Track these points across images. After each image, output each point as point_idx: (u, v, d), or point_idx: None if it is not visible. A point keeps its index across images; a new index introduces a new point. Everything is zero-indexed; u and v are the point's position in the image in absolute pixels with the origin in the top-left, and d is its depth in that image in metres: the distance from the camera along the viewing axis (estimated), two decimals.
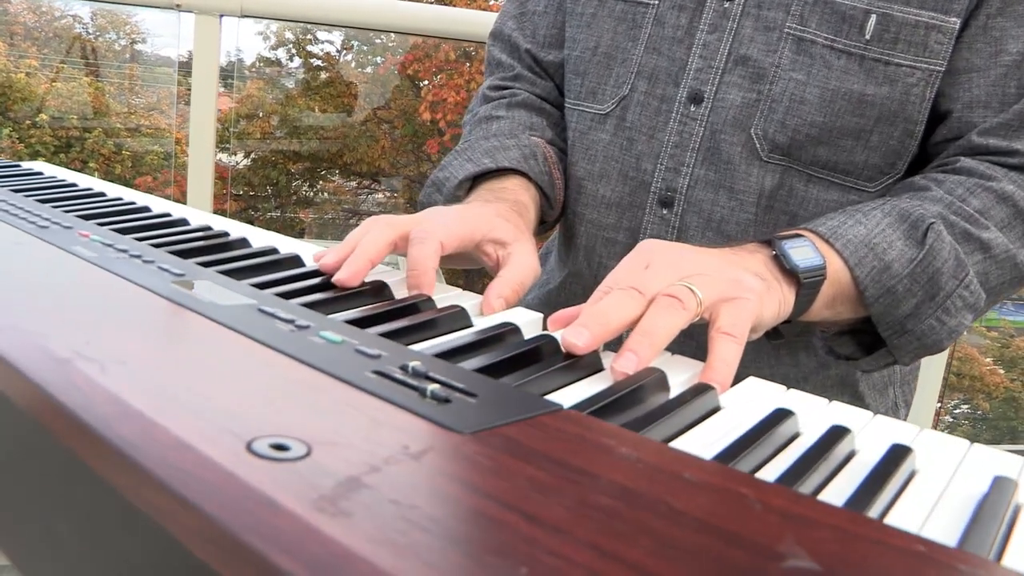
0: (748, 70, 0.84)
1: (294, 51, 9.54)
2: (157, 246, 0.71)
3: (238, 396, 0.37)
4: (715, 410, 0.52)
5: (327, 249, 0.69)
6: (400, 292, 0.67)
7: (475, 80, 9.05)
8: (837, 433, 0.48)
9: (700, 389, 0.53)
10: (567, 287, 1.00)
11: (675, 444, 0.45)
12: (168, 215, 0.86)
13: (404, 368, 0.45)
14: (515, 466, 0.35)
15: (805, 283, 0.69)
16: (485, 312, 0.66)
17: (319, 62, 9.81)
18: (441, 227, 0.70)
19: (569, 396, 0.50)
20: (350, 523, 0.28)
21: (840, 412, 0.52)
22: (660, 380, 0.53)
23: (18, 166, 1.11)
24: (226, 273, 0.65)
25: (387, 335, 0.55)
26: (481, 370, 0.49)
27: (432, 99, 9.11)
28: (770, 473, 0.44)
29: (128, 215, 0.84)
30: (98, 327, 0.45)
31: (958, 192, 0.78)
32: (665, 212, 0.88)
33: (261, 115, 9.04)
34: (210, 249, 0.73)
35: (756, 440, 0.46)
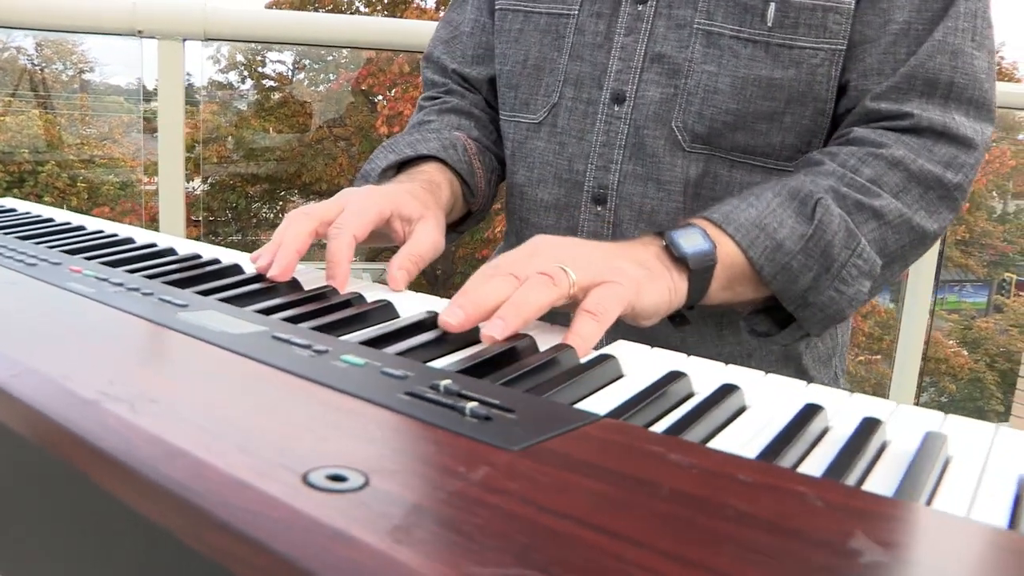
0: (664, 67, 0.88)
1: (246, 73, 9.48)
2: (151, 277, 0.69)
3: (279, 427, 0.36)
4: (742, 409, 0.52)
5: (261, 250, 0.74)
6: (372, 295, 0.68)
7: None
8: (809, 412, 0.50)
9: (672, 377, 0.53)
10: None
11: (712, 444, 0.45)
12: (154, 245, 0.84)
13: (435, 388, 0.44)
14: (574, 480, 0.35)
15: (695, 269, 0.72)
16: (393, 287, 0.72)
17: (272, 83, 9.75)
18: (353, 219, 0.75)
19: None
20: (428, 551, 0.27)
21: (816, 392, 0.54)
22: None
23: None
24: (228, 301, 0.63)
25: (404, 353, 0.54)
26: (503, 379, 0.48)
27: (388, 113, 9.08)
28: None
29: (114, 247, 0.82)
30: (117, 365, 0.43)
31: (850, 163, 0.80)
32: (599, 209, 0.92)
33: (217, 139, 8.95)
34: (205, 277, 0.72)
35: (792, 438, 0.46)
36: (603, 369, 0.55)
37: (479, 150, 1.01)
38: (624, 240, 0.76)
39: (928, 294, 2.28)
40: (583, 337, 0.60)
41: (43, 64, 8.90)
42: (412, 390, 0.43)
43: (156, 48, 1.43)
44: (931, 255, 2.26)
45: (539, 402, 0.44)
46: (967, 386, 10.66)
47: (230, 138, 8.88)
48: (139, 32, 1.40)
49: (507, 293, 0.61)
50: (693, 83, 0.87)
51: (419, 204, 0.83)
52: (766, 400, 0.54)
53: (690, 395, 0.54)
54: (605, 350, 0.59)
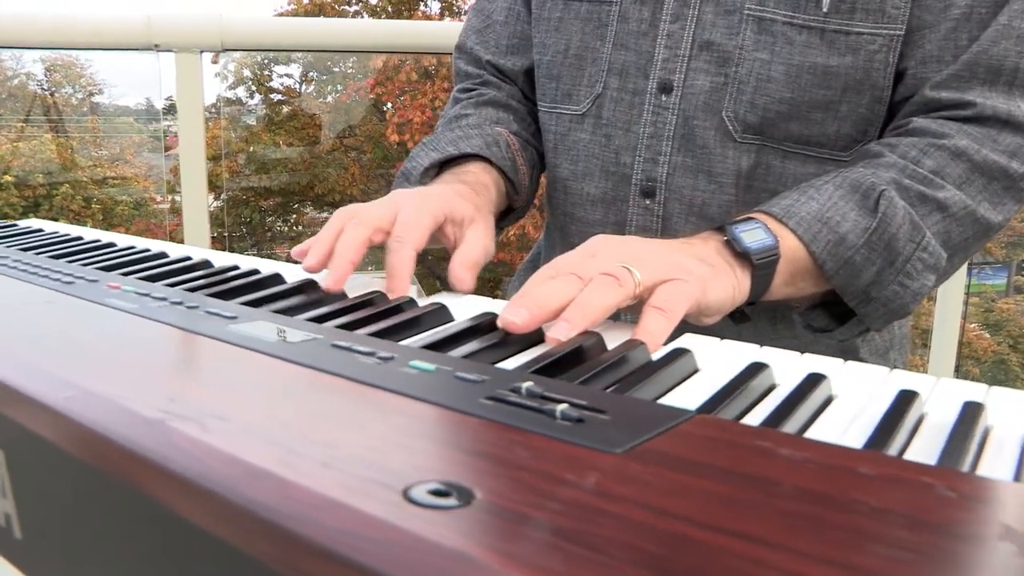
0: (713, 55, 0.85)
1: (254, 88, 9.49)
2: (193, 290, 0.67)
3: (364, 440, 0.33)
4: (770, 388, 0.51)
5: (306, 245, 0.72)
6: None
7: (439, 98, 9.03)
8: (905, 399, 0.47)
9: (755, 369, 0.51)
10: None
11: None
12: (188, 258, 0.81)
13: (516, 391, 0.41)
14: (689, 481, 0.32)
15: (758, 264, 0.69)
16: (460, 287, 0.71)
17: (280, 96, 9.76)
18: (413, 230, 0.72)
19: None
20: (560, 570, 0.24)
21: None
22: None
23: (15, 225, 1.06)
24: (277, 311, 0.61)
25: (469, 357, 0.51)
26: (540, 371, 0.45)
27: (398, 120, 9.08)
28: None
29: (148, 262, 0.80)
30: (176, 382, 0.40)
31: (911, 155, 0.78)
32: (648, 202, 0.89)
33: (228, 155, 8.98)
34: (248, 288, 0.69)
35: (894, 426, 0.43)
36: (680, 364, 0.52)
37: (521, 145, 0.98)
38: (675, 234, 0.74)
39: (962, 277, 2.23)
40: (652, 334, 0.57)
41: (53, 88, 8.95)
42: (493, 394, 0.40)
43: (173, 62, 1.40)
44: None
45: (629, 401, 0.42)
46: (991, 368, 10.57)
47: (241, 153, 8.90)
48: (155, 46, 1.38)
49: (571, 294, 0.58)
50: (744, 71, 0.83)
51: (470, 207, 0.80)
52: (852, 388, 0.51)
53: (772, 387, 0.51)
54: (678, 344, 0.56)
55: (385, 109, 9.63)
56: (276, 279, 0.73)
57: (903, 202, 0.74)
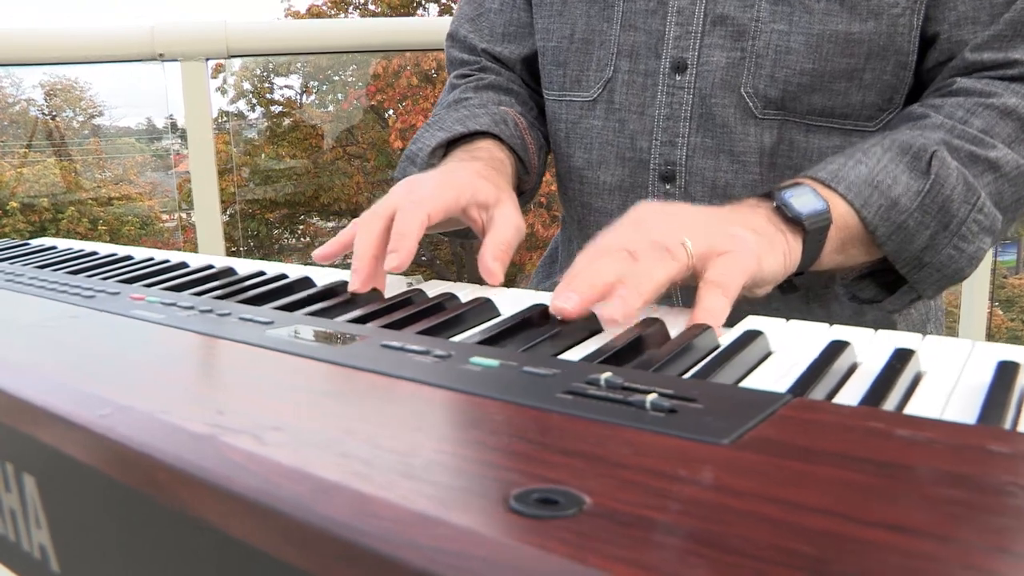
0: (728, 29, 0.81)
1: (255, 100, 9.47)
2: (220, 298, 0.63)
3: (442, 445, 0.29)
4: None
5: (328, 247, 0.69)
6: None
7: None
8: (1008, 371, 0.43)
9: (837, 348, 0.47)
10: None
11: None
12: (211, 266, 0.78)
13: (594, 383, 0.37)
14: (812, 470, 0.28)
15: (810, 230, 0.66)
16: (490, 281, 0.66)
17: (280, 108, 9.74)
18: (429, 199, 0.69)
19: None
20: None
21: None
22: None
23: (28, 244, 1.03)
24: (314, 315, 0.57)
25: (527, 350, 0.47)
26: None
27: (400, 126, 9.04)
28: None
29: (169, 272, 0.76)
30: (220, 392, 0.37)
31: (958, 115, 0.75)
32: (668, 187, 0.86)
33: (231, 169, 8.96)
34: (277, 293, 0.66)
35: (1003, 401, 0.39)
36: (754, 347, 0.48)
37: (528, 124, 0.94)
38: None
39: (988, 255, 2.18)
40: (712, 312, 0.54)
41: (54, 112, 8.94)
42: (569, 388, 0.36)
43: (179, 71, 1.37)
44: None
45: (716, 387, 0.38)
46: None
47: (245, 167, 8.88)
48: (160, 56, 1.35)
49: (622, 270, 0.55)
50: (762, 44, 0.80)
51: (493, 187, 0.76)
52: (938, 363, 0.47)
53: (855, 365, 0.48)
54: (748, 326, 0.52)
55: (387, 116, 9.60)
56: (306, 282, 0.69)
57: (956, 162, 0.71)
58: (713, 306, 0.55)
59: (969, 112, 0.74)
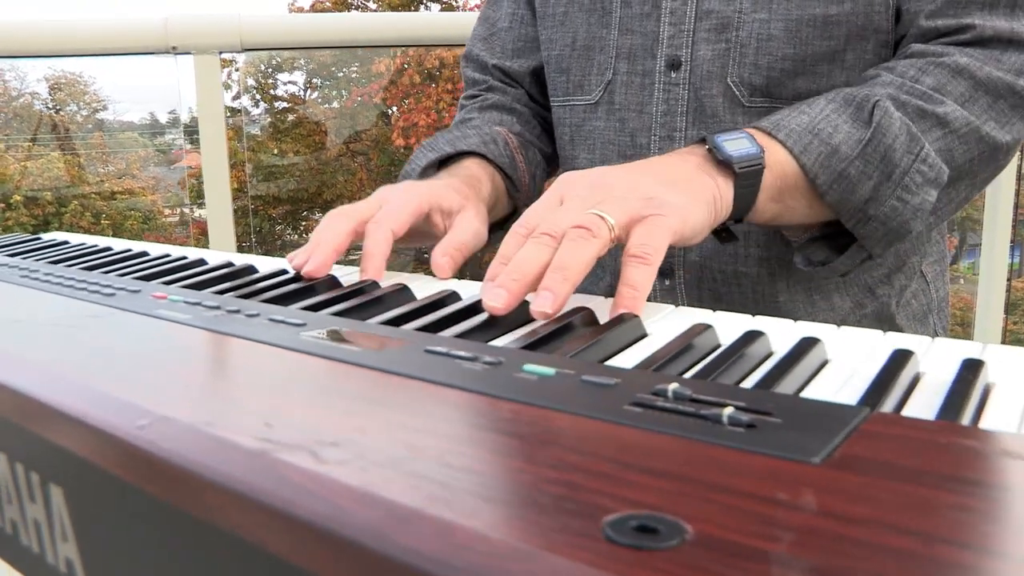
0: (713, 22, 0.83)
1: (259, 97, 9.44)
2: (245, 297, 0.61)
3: (519, 464, 0.27)
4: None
5: (298, 251, 0.71)
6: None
7: (443, 100, 8.97)
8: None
9: (903, 357, 0.45)
10: (592, 273, 0.99)
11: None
12: (230, 264, 0.76)
13: (661, 394, 0.35)
14: (925, 494, 0.26)
15: (740, 173, 0.66)
16: (438, 275, 0.70)
17: (285, 104, 9.72)
18: (391, 216, 0.72)
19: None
20: None
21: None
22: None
23: (39, 238, 1.00)
24: (340, 314, 0.55)
25: (577, 356, 0.45)
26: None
27: (403, 124, 9.02)
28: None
29: (188, 270, 0.74)
30: (265, 402, 0.34)
31: (910, 73, 0.75)
32: None
33: (235, 165, 8.94)
34: (302, 292, 0.63)
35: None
36: (812, 355, 0.46)
37: (521, 144, 0.98)
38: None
39: (1004, 255, 2.16)
40: (636, 286, 0.54)
41: (57, 107, 8.92)
42: (637, 400, 0.34)
43: (185, 65, 1.35)
44: (1006, 212, 2.14)
45: (791, 400, 0.35)
46: None
47: (248, 163, 8.85)
48: (173, 48, 1.32)
49: (546, 257, 0.55)
50: (745, 34, 0.81)
51: (459, 196, 0.80)
52: (1006, 374, 0.45)
53: (918, 376, 0.45)
54: (808, 332, 0.50)
55: (390, 113, 9.58)
56: (332, 282, 0.67)
57: (899, 114, 0.71)
58: (636, 279, 0.54)
59: (920, 71, 0.74)
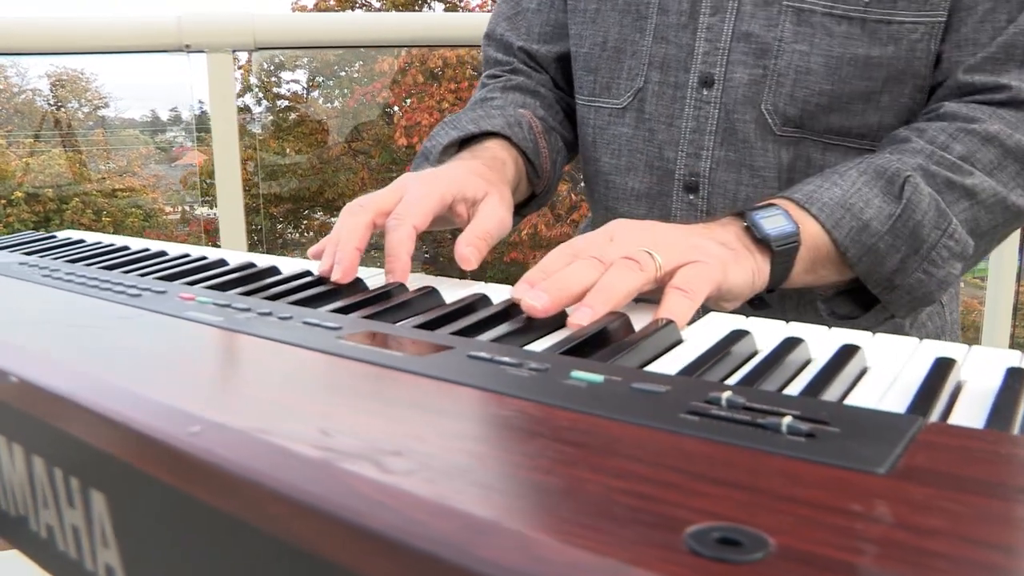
0: (751, 46, 0.82)
1: (261, 95, 9.44)
2: (272, 299, 0.60)
3: (585, 475, 0.27)
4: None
5: (322, 245, 0.70)
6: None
7: (446, 99, 8.97)
8: None
9: (945, 365, 0.44)
10: None
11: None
12: (252, 265, 0.75)
13: (714, 403, 0.34)
14: (999, 508, 0.26)
15: (778, 251, 0.67)
16: (463, 266, 0.68)
17: (287, 102, 9.71)
18: (412, 209, 0.70)
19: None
20: None
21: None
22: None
23: (54, 236, 1.00)
24: (372, 317, 0.55)
25: (616, 361, 0.45)
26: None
27: (406, 124, 9.02)
28: None
29: (210, 270, 0.73)
30: (318, 408, 0.34)
31: (940, 140, 0.75)
32: (692, 197, 0.87)
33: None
34: (331, 294, 0.63)
35: None
36: (854, 363, 0.46)
37: (545, 129, 0.96)
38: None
39: (1014, 260, 2.16)
40: (675, 315, 0.54)
41: (59, 103, 8.91)
42: (692, 408, 0.34)
43: (205, 62, 1.34)
44: None
45: (844, 408, 0.35)
46: None
47: (250, 161, 8.85)
48: (186, 47, 1.32)
49: (593, 278, 0.56)
50: (783, 64, 0.81)
51: (483, 182, 0.77)
52: None
53: (960, 384, 0.45)
54: (846, 339, 0.49)
55: (392, 112, 9.58)
56: (358, 284, 0.67)
57: (929, 188, 0.72)
58: (677, 309, 0.55)
59: (951, 137, 0.75)
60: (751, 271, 0.65)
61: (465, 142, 0.89)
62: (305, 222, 9.63)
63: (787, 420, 0.32)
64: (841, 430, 0.32)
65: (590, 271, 0.57)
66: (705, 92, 0.85)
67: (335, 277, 0.66)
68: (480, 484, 0.25)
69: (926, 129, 0.76)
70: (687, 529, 0.23)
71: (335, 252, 0.68)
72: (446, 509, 0.24)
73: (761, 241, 0.67)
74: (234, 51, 1.35)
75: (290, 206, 9.36)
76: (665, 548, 0.22)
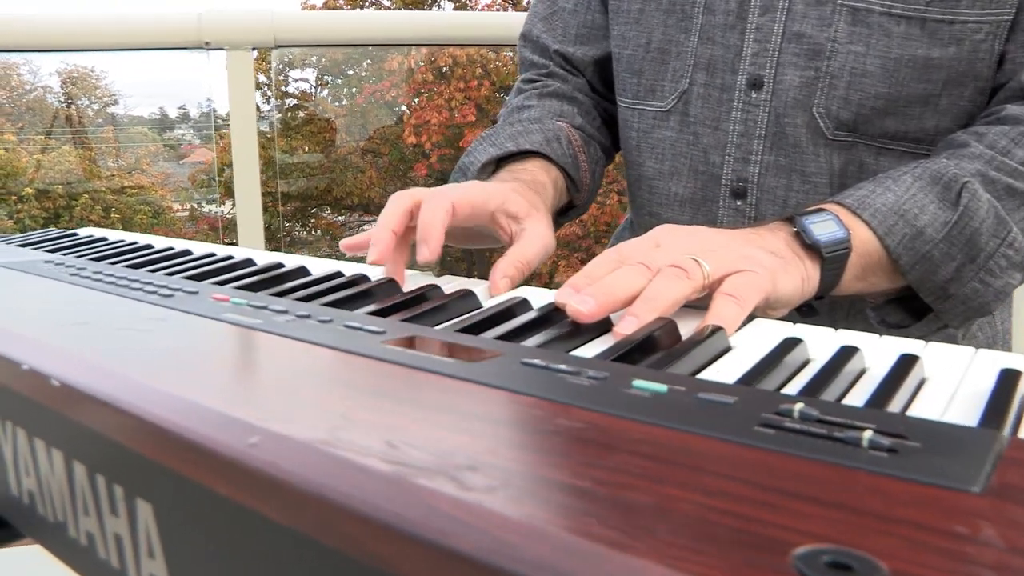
0: (803, 47, 0.79)
1: (270, 94, 9.44)
2: (306, 299, 0.59)
3: (671, 491, 0.25)
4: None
5: (357, 238, 0.69)
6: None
7: (455, 98, 8.96)
8: None
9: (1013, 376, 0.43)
10: None
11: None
12: (281, 265, 0.74)
13: (786, 415, 0.33)
14: None
15: (828, 257, 0.65)
16: (491, 293, 0.65)
17: (296, 101, 9.72)
18: (454, 191, 0.69)
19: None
20: None
21: None
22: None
23: (75, 234, 0.99)
24: (411, 320, 0.54)
25: (668, 369, 0.43)
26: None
27: (415, 122, 9.01)
28: None
29: (238, 270, 0.72)
30: (378, 418, 0.33)
31: (1000, 144, 0.73)
32: (739, 203, 0.85)
33: None
34: (365, 296, 0.62)
35: None
36: (914, 374, 0.44)
37: (584, 141, 0.94)
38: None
39: None
40: (724, 321, 0.53)
41: (69, 100, 8.92)
42: (764, 420, 0.32)
43: (224, 59, 1.33)
44: None
45: (918, 422, 0.34)
46: None
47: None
48: (206, 44, 1.31)
49: (640, 285, 0.55)
50: (837, 65, 0.78)
51: (525, 203, 0.75)
52: None
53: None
54: (906, 349, 0.48)
55: (400, 111, 9.58)
56: (392, 286, 0.65)
57: (988, 195, 0.70)
58: (726, 315, 0.53)
59: (1013, 142, 0.73)
60: (800, 278, 0.63)
61: (503, 159, 0.87)
62: (313, 220, 9.63)
63: (867, 434, 0.30)
64: (923, 445, 0.31)
65: (637, 278, 0.56)
66: (754, 94, 0.82)
67: (370, 259, 0.65)
68: (566, 502, 0.24)
69: (986, 133, 0.74)
70: (793, 552, 0.22)
71: (369, 239, 0.67)
72: (538, 530, 0.22)
73: (811, 247, 0.65)
74: (254, 49, 1.34)
75: (298, 204, 9.36)
76: (775, 572, 0.21)
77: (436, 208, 0.66)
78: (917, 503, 0.26)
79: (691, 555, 0.21)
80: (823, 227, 0.66)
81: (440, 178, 9.49)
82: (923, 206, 0.69)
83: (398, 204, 0.68)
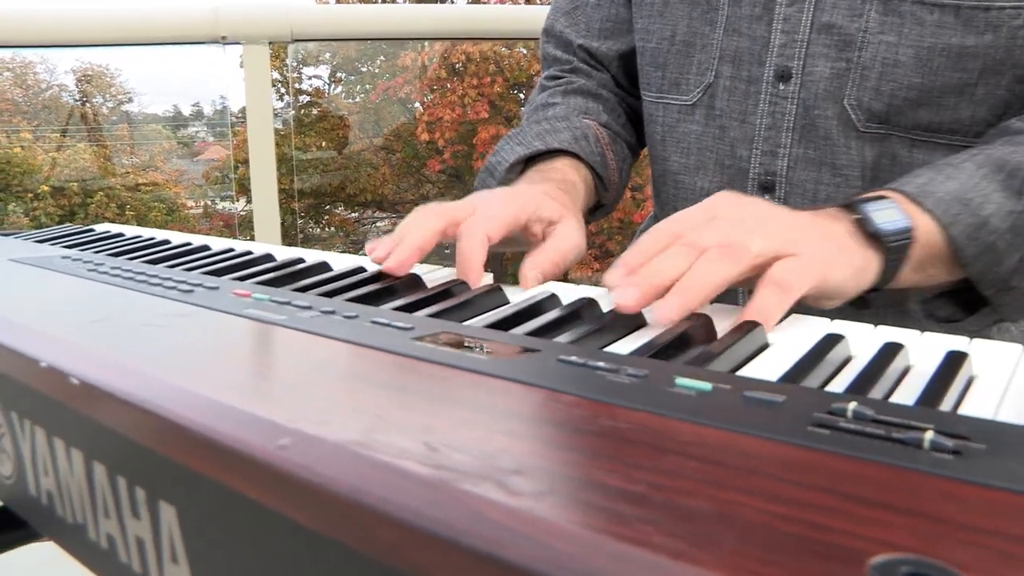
0: (833, 38, 0.77)
1: (283, 90, 9.45)
2: (329, 295, 0.58)
3: (728, 496, 0.24)
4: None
5: (379, 240, 0.67)
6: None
7: (468, 95, 8.95)
8: None
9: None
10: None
11: None
12: (302, 260, 0.73)
13: (839, 414, 0.32)
14: None
15: (891, 247, 0.62)
16: (522, 286, 0.64)
17: (309, 97, 9.72)
18: (487, 219, 0.68)
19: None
20: None
21: None
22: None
23: (92, 230, 0.98)
24: (438, 316, 0.52)
25: (706, 366, 0.42)
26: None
27: (428, 119, 9.00)
28: None
29: (258, 265, 0.71)
30: (413, 418, 0.31)
31: None
32: (767, 197, 0.83)
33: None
34: (389, 292, 0.61)
35: None
36: (963, 372, 0.43)
37: (611, 139, 0.93)
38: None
39: None
40: (764, 315, 0.51)
41: (84, 98, 8.95)
42: (817, 420, 0.31)
43: (241, 54, 1.32)
44: None
45: (977, 422, 0.32)
46: None
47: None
48: (223, 38, 1.30)
49: (683, 268, 0.53)
50: (869, 56, 0.76)
51: (558, 205, 0.74)
52: None
53: None
54: (951, 346, 0.46)
55: (414, 108, 9.57)
56: (415, 280, 0.64)
57: None
58: (766, 305, 0.52)
59: None
60: (857, 269, 0.61)
61: (531, 158, 0.86)
62: (327, 217, 9.64)
63: (929, 435, 0.29)
64: (987, 447, 0.29)
65: (682, 260, 0.54)
66: (782, 87, 0.80)
67: (387, 265, 0.64)
68: (621, 510, 0.23)
69: None
70: (869, 562, 0.20)
71: (394, 245, 0.65)
72: (592, 540, 0.21)
73: (872, 236, 0.62)
74: (270, 43, 1.33)
75: (311, 201, 9.36)
76: None
77: (475, 244, 0.65)
78: (990, 509, 0.24)
79: (762, 567, 0.20)
80: (885, 215, 0.63)
81: (453, 174, 9.48)
82: (987, 195, 0.66)
83: (431, 226, 0.67)
